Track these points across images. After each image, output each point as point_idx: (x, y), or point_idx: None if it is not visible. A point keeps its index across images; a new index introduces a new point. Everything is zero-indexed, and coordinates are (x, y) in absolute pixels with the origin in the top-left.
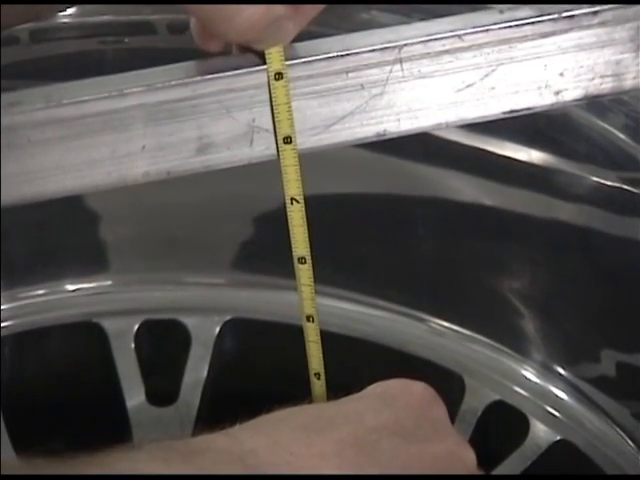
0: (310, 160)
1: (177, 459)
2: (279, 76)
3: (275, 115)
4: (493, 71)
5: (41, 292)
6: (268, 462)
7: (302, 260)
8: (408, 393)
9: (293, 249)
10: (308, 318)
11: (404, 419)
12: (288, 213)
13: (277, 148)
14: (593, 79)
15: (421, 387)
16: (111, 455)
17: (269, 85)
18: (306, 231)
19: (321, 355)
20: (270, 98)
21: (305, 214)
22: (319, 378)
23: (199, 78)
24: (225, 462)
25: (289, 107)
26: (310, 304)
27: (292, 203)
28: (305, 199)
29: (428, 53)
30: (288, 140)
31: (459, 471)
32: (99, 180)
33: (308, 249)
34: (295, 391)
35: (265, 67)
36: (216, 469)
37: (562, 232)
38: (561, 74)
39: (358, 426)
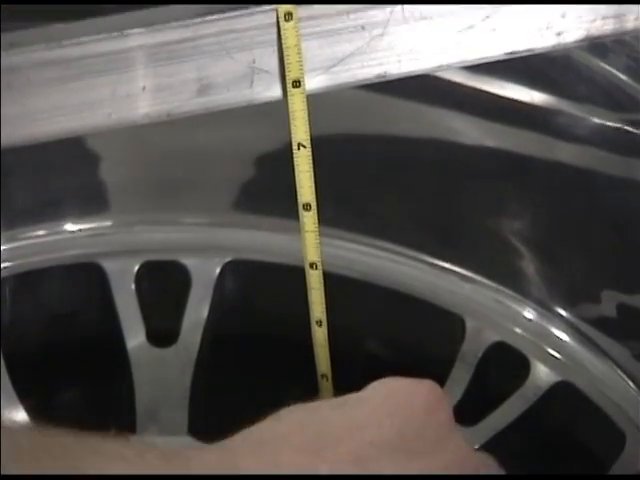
0: (311, 102)
1: (155, 455)
2: (289, 16)
3: (285, 58)
4: (494, 12)
5: (41, 233)
6: None
7: (307, 207)
8: (413, 399)
9: (298, 195)
10: (312, 265)
11: (406, 431)
12: (294, 159)
13: (285, 92)
14: (594, 20)
15: (426, 389)
16: (89, 433)
17: (278, 26)
18: (312, 177)
19: (324, 302)
20: (279, 40)
21: (312, 160)
22: (321, 325)
23: (199, 19)
24: (210, 471)
25: (299, 49)
26: (314, 251)
27: (299, 148)
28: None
29: None
30: (297, 84)
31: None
32: (99, 121)
33: (314, 195)
34: (296, 333)
35: (266, 8)
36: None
37: (563, 173)
38: (562, 15)
39: (359, 440)
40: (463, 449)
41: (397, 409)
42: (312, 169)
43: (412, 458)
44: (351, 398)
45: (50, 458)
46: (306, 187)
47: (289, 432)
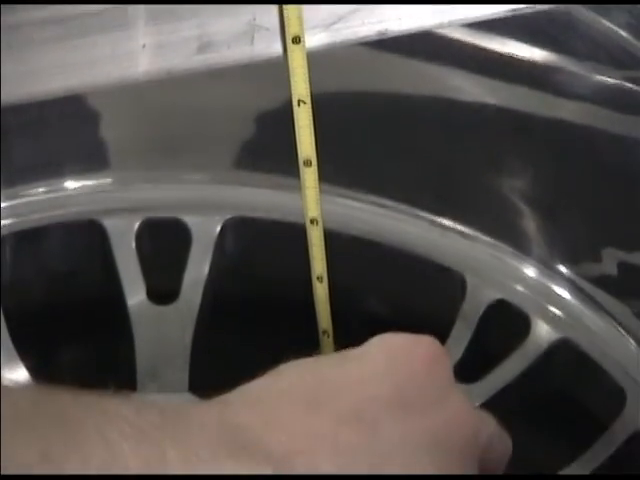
0: (311, 59)
1: (154, 412)
2: None
3: (285, 14)
4: None
5: (41, 190)
6: (259, 440)
7: (307, 163)
8: (413, 355)
9: (299, 152)
10: (312, 221)
11: (405, 388)
12: (295, 115)
13: (285, 49)
14: None
15: (426, 345)
16: (87, 392)
17: None
18: (312, 133)
19: (324, 259)
20: None
21: (312, 116)
22: (321, 281)
23: None
24: (210, 429)
25: (299, 6)
26: (314, 207)
27: (299, 105)
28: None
29: None
30: (297, 40)
31: (458, 441)
32: (99, 79)
33: (314, 151)
34: (296, 290)
35: None
36: (197, 433)
37: (564, 131)
38: None
39: (358, 397)
40: (463, 406)
41: (397, 365)
42: (312, 125)
43: (411, 414)
44: (351, 354)
45: (50, 419)
46: (306, 143)
47: (288, 387)
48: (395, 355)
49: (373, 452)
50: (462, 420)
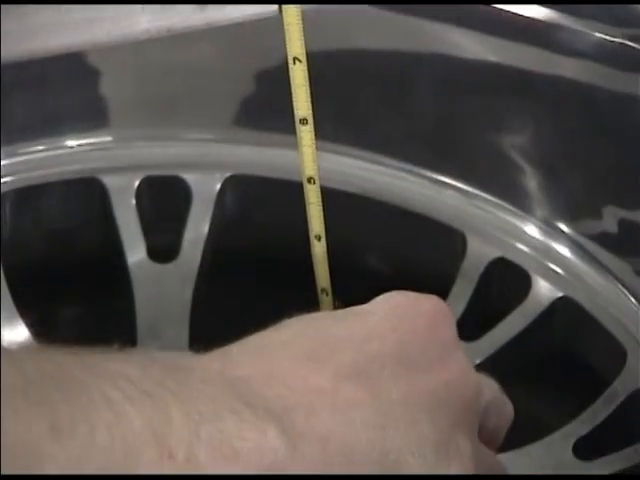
0: (309, 17)
1: (157, 368)
2: None
3: None
4: None
5: (41, 148)
6: (259, 394)
7: (304, 121)
8: (417, 313)
9: (295, 110)
10: (309, 180)
11: (409, 345)
12: (290, 73)
13: (280, 6)
14: None
15: (431, 304)
16: (90, 350)
17: None
18: (308, 91)
19: (322, 217)
20: None
21: (307, 74)
22: (320, 240)
23: None
24: (212, 383)
25: None
26: (311, 166)
27: (294, 63)
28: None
29: None
30: None
31: (459, 402)
32: (100, 37)
33: (310, 110)
34: (296, 248)
35: None
36: (199, 388)
37: (565, 88)
38: None
39: (360, 353)
40: (466, 368)
41: (401, 323)
42: (308, 84)
43: (413, 372)
44: (355, 310)
45: (57, 387)
46: (302, 102)
47: (290, 340)
48: (399, 313)
49: (373, 408)
50: (464, 381)
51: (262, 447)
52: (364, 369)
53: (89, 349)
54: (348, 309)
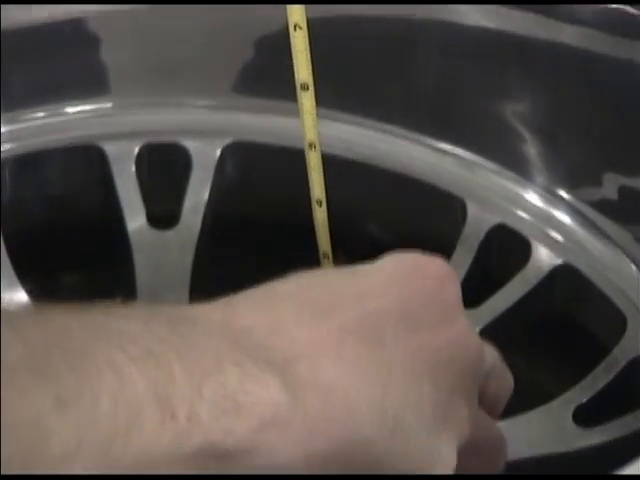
0: None
1: (160, 323)
2: None
3: None
4: None
5: (41, 115)
6: (262, 345)
7: (305, 87)
8: (422, 272)
9: (296, 76)
10: (310, 145)
11: (413, 303)
12: (291, 40)
13: None
14: None
15: (436, 265)
16: (92, 308)
17: None
18: (309, 57)
19: (323, 182)
20: None
21: (308, 40)
22: (321, 205)
23: None
24: (215, 334)
25: None
26: (312, 131)
27: (295, 29)
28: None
29: None
30: None
31: (461, 363)
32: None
33: (310, 76)
34: (296, 214)
35: None
36: (202, 341)
37: (565, 55)
38: None
39: (365, 308)
40: (469, 331)
41: (406, 281)
42: (308, 50)
43: (416, 330)
44: (361, 267)
45: (58, 351)
46: (303, 68)
47: (294, 293)
48: (405, 271)
49: (376, 363)
50: (467, 343)
51: (264, 400)
52: (367, 324)
53: (92, 306)
54: (354, 267)
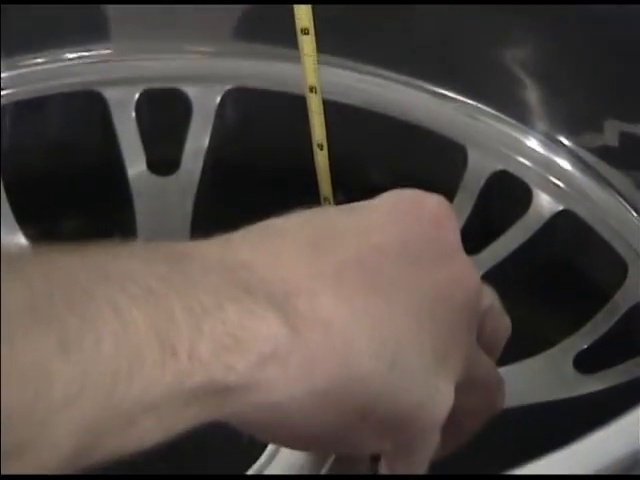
0: None
1: (160, 261)
2: None
3: None
4: None
5: (41, 60)
6: (262, 279)
7: (305, 31)
8: (420, 209)
9: (296, 20)
10: (311, 89)
11: (412, 239)
12: None
13: None
14: None
15: (435, 202)
16: (93, 249)
17: None
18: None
19: (324, 126)
20: None
21: None
22: (322, 149)
23: None
24: (214, 270)
25: None
26: (313, 75)
27: None
28: None
29: None
30: None
31: (460, 298)
32: None
33: (311, 20)
34: (296, 160)
35: None
36: (202, 277)
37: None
38: None
39: (363, 244)
40: (468, 268)
41: (405, 217)
42: None
43: (415, 266)
44: (361, 204)
45: (61, 294)
46: (304, 11)
47: (294, 229)
48: (405, 208)
49: (375, 297)
50: (466, 280)
51: (264, 335)
52: (366, 260)
53: (92, 247)
54: (352, 203)
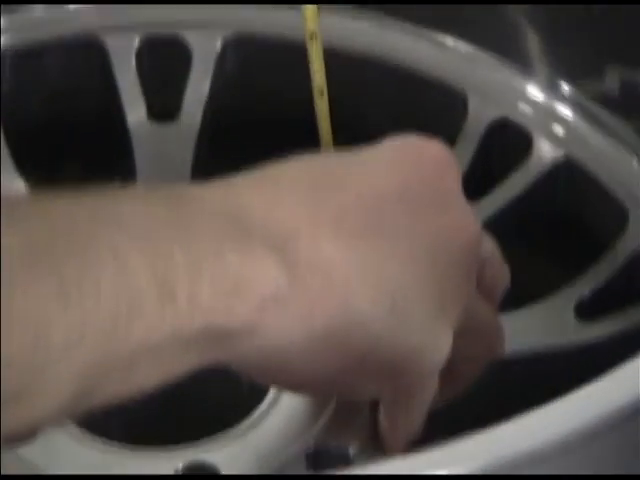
0: None
1: (160, 204)
2: None
3: None
4: None
5: (41, 7)
6: (261, 223)
7: None
8: (422, 155)
9: None
10: (311, 36)
11: (413, 185)
12: None
13: None
14: None
15: (437, 149)
16: (92, 193)
17: None
18: None
19: (324, 72)
20: None
21: None
22: (322, 95)
23: None
24: (214, 214)
25: None
26: (313, 21)
27: None
28: None
29: None
30: None
31: (460, 245)
32: None
33: None
34: (297, 106)
35: None
36: (202, 220)
37: None
38: None
39: (364, 189)
40: (468, 215)
41: (406, 163)
42: None
43: (416, 212)
44: (362, 151)
45: (61, 239)
46: None
47: (295, 173)
48: (406, 154)
49: (375, 242)
50: (466, 227)
51: (264, 279)
52: (367, 205)
53: (92, 192)
54: (354, 150)
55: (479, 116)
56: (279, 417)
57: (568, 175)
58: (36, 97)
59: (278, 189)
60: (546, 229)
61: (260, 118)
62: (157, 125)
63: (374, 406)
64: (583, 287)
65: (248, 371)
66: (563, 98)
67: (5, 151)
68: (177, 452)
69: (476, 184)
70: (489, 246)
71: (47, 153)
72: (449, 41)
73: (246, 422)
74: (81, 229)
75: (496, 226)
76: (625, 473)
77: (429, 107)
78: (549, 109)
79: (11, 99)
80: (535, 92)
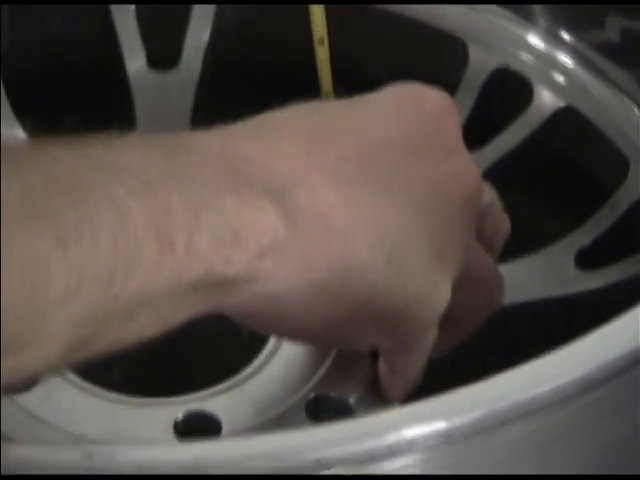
0: None
1: (158, 152)
2: None
3: None
4: None
5: None
6: (260, 171)
7: None
8: (422, 102)
9: None
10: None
11: (413, 132)
12: None
13: None
14: None
15: (437, 97)
16: (91, 142)
17: None
18: None
19: (324, 21)
20: None
21: None
22: (323, 44)
23: None
24: (212, 162)
25: None
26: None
27: None
28: None
29: None
30: None
31: (460, 194)
32: None
33: None
34: (298, 55)
35: None
36: (200, 168)
37: None
38: None
39: (363, 136)
40: (469, 163)
41: (406, 111)
42: None
43: (416, 160)
44: (361, 98)
45: (58, 189)
46: None
47: (293, 121)
48: (406, 102)
49: (374, 189)
50: (466, 175)
51: (262, 227)
52: (366, 153)
53: (90, 139)
54: (353, 98)
55: (480, 65)
56: (279, 366)
57: (568, 124)
58: (35, 45)
59: (277, 137)
60: (546, 178)
61: (261, 65)
62: (157, 73)
63: (374, 355)
64: (583, 237)
65: (247, 319)
66: (564, 47)
67: (4, 97)
68: (177, 401)
69: (477, 133)
70: (489, 195)
71: (47, 103)
72: None
73: (246, 371)
74: (78, 178)
75: (496, 175)
76: (624, 421)
77: (430, 56)
78: (550, 58)
79: (10, 48)
80: (536, 41)
